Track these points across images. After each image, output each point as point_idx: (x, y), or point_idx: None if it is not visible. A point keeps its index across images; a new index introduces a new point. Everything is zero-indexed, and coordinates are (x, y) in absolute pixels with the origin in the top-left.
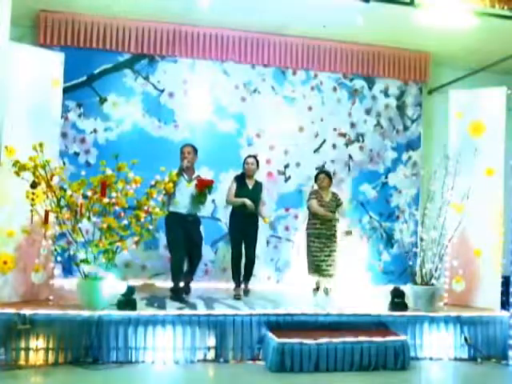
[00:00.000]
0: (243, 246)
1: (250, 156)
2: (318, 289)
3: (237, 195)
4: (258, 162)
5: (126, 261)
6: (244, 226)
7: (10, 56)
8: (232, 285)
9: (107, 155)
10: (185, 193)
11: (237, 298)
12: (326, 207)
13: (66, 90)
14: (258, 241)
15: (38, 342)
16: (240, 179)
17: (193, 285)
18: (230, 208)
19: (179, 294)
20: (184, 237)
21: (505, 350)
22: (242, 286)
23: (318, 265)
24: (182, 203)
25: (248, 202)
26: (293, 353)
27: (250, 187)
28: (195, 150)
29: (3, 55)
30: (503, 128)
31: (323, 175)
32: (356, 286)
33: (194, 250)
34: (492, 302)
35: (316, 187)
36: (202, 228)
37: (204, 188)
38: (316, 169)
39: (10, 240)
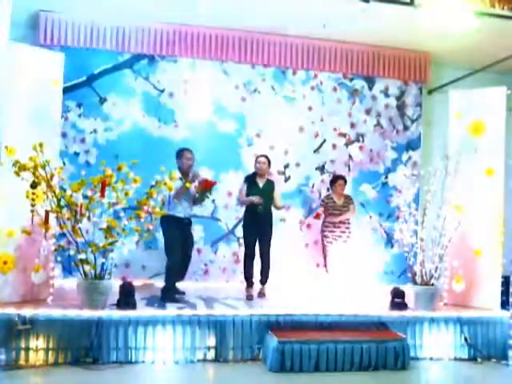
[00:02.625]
0: (257, 245)
1: (261, 155)
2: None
3: (248, 195)
4: (269, 161)
5: (126, 261)
6: (257, 225)
7: (9, 56)
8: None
9: (107, 155)
10: (183, 196)
11: (249, 298)
12: (338, 211)
13: (65, 90)
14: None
15: (38, 342)
16: (250, 179)
17: (193, 285)
18: (244, 208)
19: (172, 295)
20: (181, 239)
21: (505, 350)
22: (258, 287)
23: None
24: (180, 207)
25: (255, 199)
26: (293, 353)
27: (261, 186)
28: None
29: (3, 55)
30: (503, 128)
31: (342, 181)
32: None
33: (187, 251)
34: (492, 302)
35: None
36: (201, 228)
37: (208, 188)
38: (316, 169)
39: (10, 240)
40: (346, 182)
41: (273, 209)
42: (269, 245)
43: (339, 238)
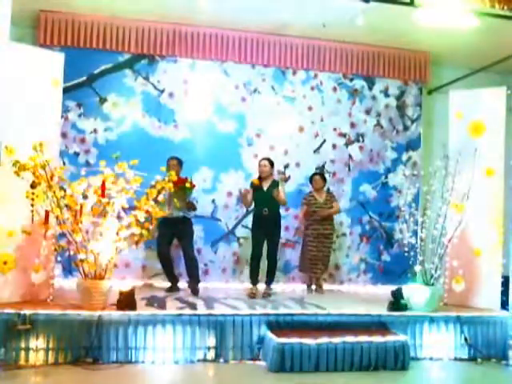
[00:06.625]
0: (264, 246)
1: (263, 159)
2: (311, 286)
3: (254, 199)
4: (272, 163)
5: (126, 261)
6: (265, 227)
7: (9, 56)
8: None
9: (107, 155)
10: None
11: (251, 296)
12: (321, 208)
13: (66, 90)
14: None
15: (37, 342)
16: (255, 184)
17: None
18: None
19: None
20: (169, 237)
21: (505, 350)
22: (263, 287)
23: (314, 263)
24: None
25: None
26: (293, 353)
27: (265, 189)
28: (180, 162)
29: (3, 55)
30: (503, 128)
31: (318, 177)
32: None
33: (184, 249)
34: (492, 302)
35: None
36: (201, 228)
37: (179, 185)
38: (316, 169)
39: (10, 240)
40: (323, 177)
41: (281, 210)
42: (276, 246)
43: (322, 237)
